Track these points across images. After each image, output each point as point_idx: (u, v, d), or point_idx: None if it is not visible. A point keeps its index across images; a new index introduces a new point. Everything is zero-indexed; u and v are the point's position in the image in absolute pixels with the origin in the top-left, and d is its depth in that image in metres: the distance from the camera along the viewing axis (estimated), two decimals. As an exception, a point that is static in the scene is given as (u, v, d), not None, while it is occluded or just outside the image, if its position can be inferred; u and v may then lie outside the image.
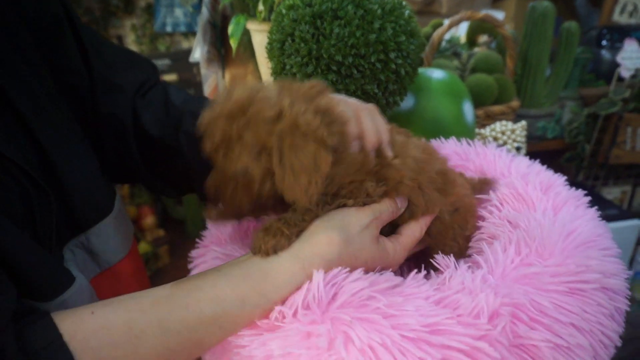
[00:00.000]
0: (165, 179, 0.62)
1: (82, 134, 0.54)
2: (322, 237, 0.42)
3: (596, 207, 0.54)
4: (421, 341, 0.36)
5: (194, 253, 0.57)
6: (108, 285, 0.54)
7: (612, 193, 1.46)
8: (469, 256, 0.53)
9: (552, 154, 1.39)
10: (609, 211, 1.23)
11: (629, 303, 0.45)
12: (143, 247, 2.17)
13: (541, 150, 1.36)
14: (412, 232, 0.50)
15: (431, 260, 0.48)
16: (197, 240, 0.60)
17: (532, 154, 0.77)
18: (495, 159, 0.65)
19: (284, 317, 0.39)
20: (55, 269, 0.44)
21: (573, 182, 0.60)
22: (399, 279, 0.43)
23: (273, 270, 0.40)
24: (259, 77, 1.13)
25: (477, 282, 0.41)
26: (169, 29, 2.42)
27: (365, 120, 0.47)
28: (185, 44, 2.47)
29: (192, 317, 0.38)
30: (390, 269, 0.47)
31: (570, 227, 0.48)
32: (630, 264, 1.48)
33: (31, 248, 0.41)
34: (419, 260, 0.55)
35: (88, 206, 0.52)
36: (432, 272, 0.47)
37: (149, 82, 0.62)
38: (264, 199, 0.43)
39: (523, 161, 0.64)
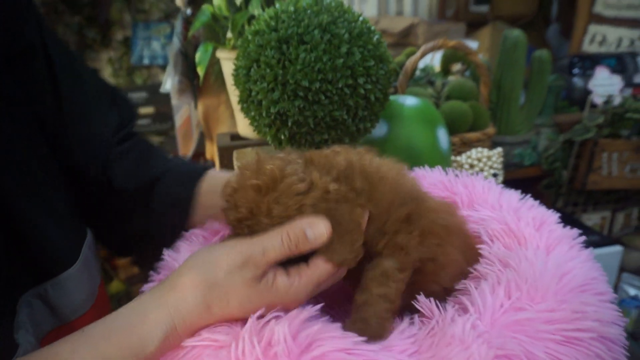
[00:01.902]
0: (110, 233, 0.59)
1: (56, 172, 0.50)
2: (186, 279, 0.38)
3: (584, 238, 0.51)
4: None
5: (145, 288, 0.52)
6: None
7: (591, 219, 1.45)
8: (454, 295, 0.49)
9: (530, 181, 1.39)
10: (590, 237, 1.21)
11: (628, 355, 0.41)
12: (116, 285, 2.08)
13: (519, 177, 1.35)
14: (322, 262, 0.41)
15: (414, 303, 0.43)
16: (152, 272, 0.55)
17: (510, 182, 0.75)
18: (485, 191, 0.61)
19: None
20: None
21: (553, 210, 0.57)
22: (380, 343, 0.39)
23: (138, 323, 0.37)
24: (231, 107, 1.11)
25: (467, 331, 0.37)
26: (146, 61, 2.41)
27: None
28: (162, 77, 2.46)
29: None
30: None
31: (565, 269, 0.44)
32: (615, 290, 1.46)
33: None
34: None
35: (48, 255, 0.48)
36: (416, 317, 0.43)
37: (127, 128, 0.59)
38: None
39: (514, 195, 0.60)
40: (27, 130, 0.48)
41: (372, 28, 0.70)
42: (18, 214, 0.44)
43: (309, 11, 0.66)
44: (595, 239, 1.20)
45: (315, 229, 0.38)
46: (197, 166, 0.61)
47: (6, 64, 0.46)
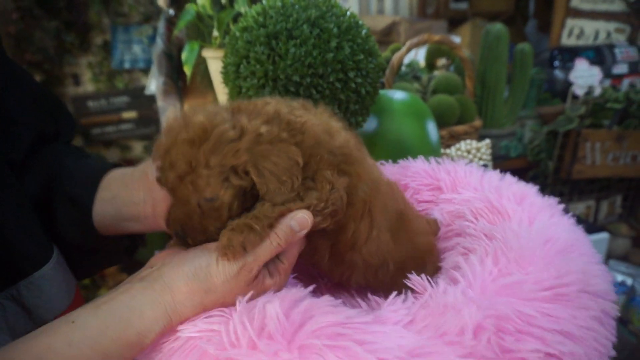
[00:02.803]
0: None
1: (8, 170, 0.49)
2: (182, 286, 0.40)
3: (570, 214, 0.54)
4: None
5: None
6: None
7: (577, 208, 1.48)
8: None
9: (517, 172, 1.39)
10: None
11: (617, 307, 0.43)
12: (104, 293, 2.04)
13: (506, 168, 1.36)
14: (293, 254, 0.44)
15: (406, 281, 0.44)
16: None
17: (498, 173, 0.77)
18: (467, 175, 0.63)
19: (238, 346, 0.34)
20: None
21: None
22: (374, 313, 0.40)
23: (135, 320, 0.38)
24: (218, 107, 1.10)
25: (459, 298, 0.39)
26: (127, 65, 2.36)
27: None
28: (144, 81, 2.42)
29: None
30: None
31: (548, 235, 0.46)
32: (601, 278, 1.49)
33: None
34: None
35: (19, 256, 0.46)
36: (409, 294, 0.43)
37: (57, 138, 0.57)
38: (233, 218, 0.42)
39: (494, 175, 0.63)
40: None
41: (360, 22, 0.70)
42: None
43: (297, 6, 0.66)
44: (582, 227, 1.23)
45: (298, 218, 0.41)
46: (103, 164, 0.56)
47: None
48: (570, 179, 1.36)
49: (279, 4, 0.67)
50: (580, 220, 1.28)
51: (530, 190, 0.57)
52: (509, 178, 0.60)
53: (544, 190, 1.43)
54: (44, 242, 0.49)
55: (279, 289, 0.42)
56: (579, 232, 0.50)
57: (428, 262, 0.54)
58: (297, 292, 0.39)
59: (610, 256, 1.53)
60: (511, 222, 0.50)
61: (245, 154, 0.39)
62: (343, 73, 0.65)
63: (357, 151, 0.47)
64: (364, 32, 0.69)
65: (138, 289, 0.40)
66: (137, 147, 2.53)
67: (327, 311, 0.37)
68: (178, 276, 0.40)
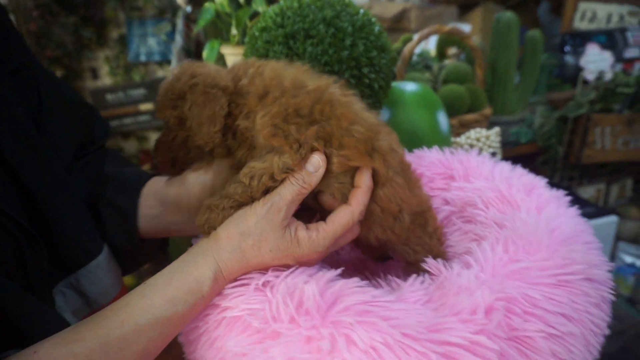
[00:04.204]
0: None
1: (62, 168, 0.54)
2: (222, 232, 0.45)
3: (576, 207, 0.56)
4: (422, 340, 0.37)
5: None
6: None
7: (587, 192, 1.50)
8: (447, 258, 0.55)
9: (527, 157, 1.43)
10: (587, 209, 1.26)
11: (613, 292, 0.47)
12: (126, 280, 2.11)
13: (516, 154, 1.39)
14: (339, 217, 0.46)
15: (420, 263, 0.49)
16: None
17: (508, 159, 0.79)
18: (479, 165, 0.66)
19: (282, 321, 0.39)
20: (49, 318, 0.45)
21: (550, 184, 0.62)
22: (395, 293, 0.44)
23: (190, 268, 0.44)
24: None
25: (472, 280, 0.43)
26: (143, 58, 2.41)
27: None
28: (160, 73, 2.47)
29: (129, 332, 0.40)
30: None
31: (554, 224, 0.50)
32: (612, 259, 1.52)
33: (23, 300, 0.42)
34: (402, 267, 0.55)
35: (76, 248, 0.52)
36: (427, 276, 0.48)
37: (93, 144, 0.62)
38: (189, 147, 0.51)
39: (505, 166, 0.66)
40: (35, 135, 0.51)
41: (373, 19, 0.73)
42: (46, 209, 0.48)
43: (313, 6, 0.70)
44: (591, 210, 1.25)
45: (313, 161, 0.45)
46: (142, 174, 0.62)
47: (8, 76, 0.51)
48: (580, 164, 1.38)
49: (295, 4, 0.71)
50: (589, 203, 1.31)
51: (539, 182, 0.60)
52: (519, 169, 0.63)
53: (555, 175, 1.45)
54: (96, 236, 0.55)
55: (314, 246, 0.45)
56: (583, 222, 0.53)
57: (429, 217, 0.54)
58: (330, 274, 0.43)
59: (620, 238, 1.55)
60: (520, 212, 0.53)
61: (188, 89, 0.47)
62: (357, 69, 0.69)
63: (342, 96, 0.47)
64: (376, 28, 0.73)
65: (194, 247, 0.46)
66: (154, 138, 2.59)
67: (356, 291, 0.41)
68: (221, 227, 0.46)
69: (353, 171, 0.47)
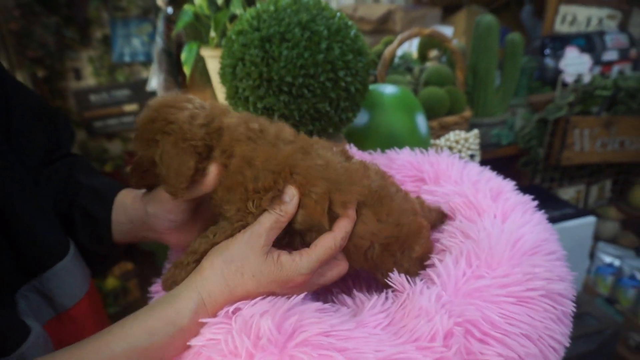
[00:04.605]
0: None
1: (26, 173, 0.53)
2: (205, 263, 0.46)
3: (553, 208, 0.56)
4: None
5: (153, 288, 0.57)
6: (63, 329, 0.53)
7: (568, 193, 1.52)
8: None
9: (508, 159, 1.45)
10: (566, 210, 1.28)
11: (574, 305, 0.47)
12: (111, 282, 2.10)
13: (498, 156, 1.41)
14: (322, 241, 0.47)
15: (386, 280, 0.48)
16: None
17: (489, 161, 0.80)
18: (448, 167, 0.66)
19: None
20: (11, 323, 0.44)
21: (531, 185, 0.62)
22: (356, 319, 0.44)
23: (173, 300, 0.44)
24: (217, 102, 1.14)
25: (432, 303, 0.43)
26: (127, 59, 2.40)
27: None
28: (144, 74, 2.45)
29: (103, 359, 0.40)
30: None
31: (517, 235, 0.50)
32: (591, 258, 1.54)
33: None
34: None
35: (40, 250, 0.51)
36: (389, 292, 0.48)
37: (59, 149, 0.62)
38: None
39: (475, 168, 0.66)
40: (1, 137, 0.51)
41: (350, 23, 0.73)
42: (8, 211, 0.48)
43: (288, 10, 0.70)
44: (570, 211, 1.27)
45: (288, 192, 0.47)
46: (114, 183, 0.62)
47: None
48: (560, 165, 1.40)
49: (272, 8, 0.71)
50: (569, 204, 1.33)
51: (506, 186, 0.60)
52: (487, 172, 0.63)
53: (536, 176, 1.47)
54: (62, 237, 0.54)
55: (298, 269, 0.45)
56: (548, 229, 0.53)
57: (415, 243, 0.52)
58: (287, 304, 0.42)
59: (599, 238, 1.58)
60: (485, 220, 0.53)
61: (160, 136, 0.48)
62: (333, 72, 0.69)
63: (302, 159, 0.48)
64: (352, 32, 0.73)
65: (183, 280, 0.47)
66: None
67: (315, 321, 0.41)
68: (204, 259, 0.47)
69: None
